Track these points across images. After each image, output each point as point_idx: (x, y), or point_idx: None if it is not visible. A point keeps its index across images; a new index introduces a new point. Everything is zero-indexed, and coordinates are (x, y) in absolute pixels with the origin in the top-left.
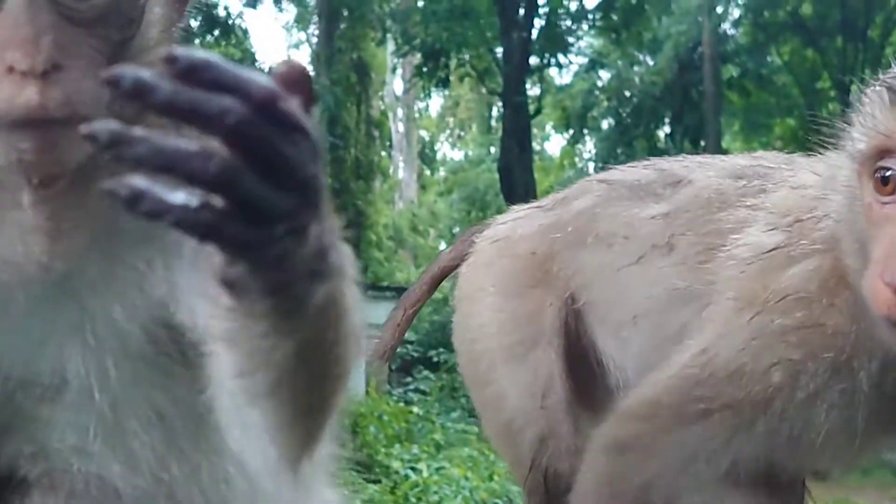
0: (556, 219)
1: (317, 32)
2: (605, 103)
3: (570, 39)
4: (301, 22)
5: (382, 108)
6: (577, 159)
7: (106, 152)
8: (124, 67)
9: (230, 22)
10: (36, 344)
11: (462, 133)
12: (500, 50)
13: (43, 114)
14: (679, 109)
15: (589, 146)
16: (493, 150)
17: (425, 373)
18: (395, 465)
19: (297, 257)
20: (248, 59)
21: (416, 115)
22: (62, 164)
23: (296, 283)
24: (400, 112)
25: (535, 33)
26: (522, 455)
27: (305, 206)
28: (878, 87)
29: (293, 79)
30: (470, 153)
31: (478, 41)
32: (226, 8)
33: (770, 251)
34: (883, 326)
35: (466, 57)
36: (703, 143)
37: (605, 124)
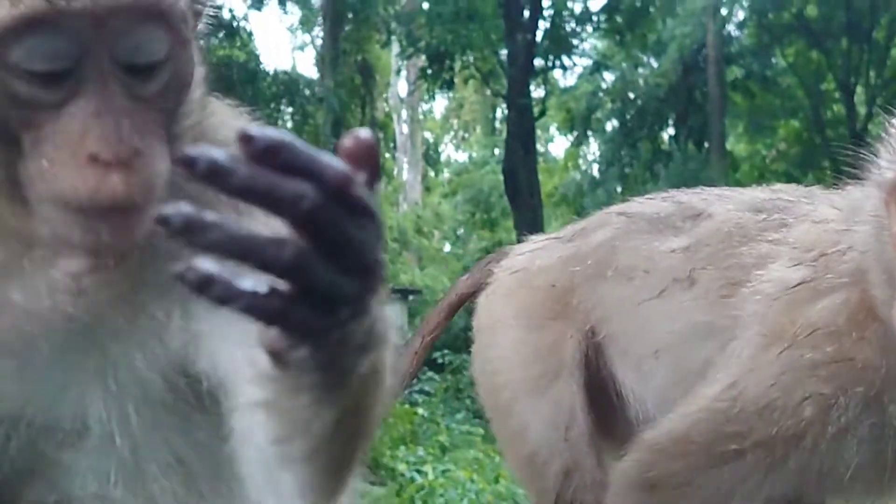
0: (574, 251)
1: (321, 34)
2: (610, 105)
3: (575, 41)
4: (306, 24)
5: (387, 109)
6: (581, 161)
7: (178, 238)
8: (198, 149)
9: (235, 24)
10: (59, 391)
11: (466, 135)
12: (504, 52)
13: (127, 202)
14: (683, 111)
15: (593, 148)
16: (497, 151)
17: (430, 374)
18: (401, 467)
19: (355, 337)
20: (253, 61)
21: (421, 116)
22: (133, 243)
23: (345, 357)
24: (404, 114)
25: (539, 35)
26: (547, 488)
27: (368, 290)
28: None
29: (361, 154)
30: (474, 155)
31: (482, 43)
32: (230, 10)
33: (796, 286)
34: None
35: (471, 59)
36: (707, 144)
37: (609, 126)
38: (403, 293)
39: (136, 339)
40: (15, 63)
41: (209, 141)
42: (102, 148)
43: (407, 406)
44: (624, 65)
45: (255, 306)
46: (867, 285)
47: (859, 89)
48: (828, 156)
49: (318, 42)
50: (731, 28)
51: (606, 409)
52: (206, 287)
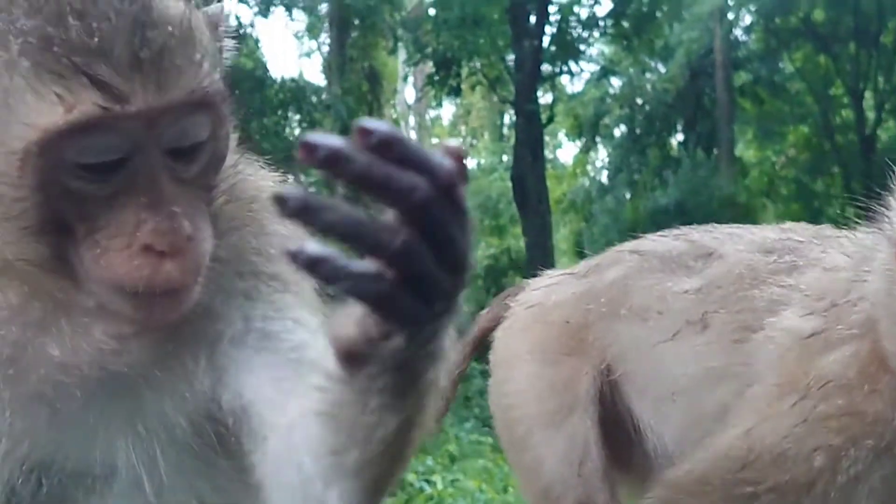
0: (588, 287)
1: (328, 41)
2: (618, 111)
3: (582, 47)
4: (312, 31)
5: (394, 116)
6: (589, 167)
7: (294, 218)
8: (318, 136)
9: (242, 31)
10: (90, 437)
11: (474, 141)
12: (511, 58)
13: (182, 286)
14: (692, 117)
15: (602, 154)
16: (505, 158)
17: None
18: (410, 477)
19: (440, 336)
20: (260, 68)
21: (428, 123)
22: (179, 314)
23: (419, 361)
24: (412, 120)
25: (546, 41)
26: None
27: (460, 287)
28: None
29: (457, 161)
30: (482, 161)
31: (489, 49)
32: (237, 17)
33: (808, 337)
34: None
35: (478, 65)
36: (715, 151)
37: (617, 132)
38: None
39: (166, 385)
40: (67, 160)
41: (238, 198)
42: (156, 239)
43: None
44: (631, 70)
45: (362, 287)
46: (878, 336)
47: (868, 94)
48: (837, 161)
49: (325, 49)
50: (738, 33)
51: (623, 443)
52: (315, 267)
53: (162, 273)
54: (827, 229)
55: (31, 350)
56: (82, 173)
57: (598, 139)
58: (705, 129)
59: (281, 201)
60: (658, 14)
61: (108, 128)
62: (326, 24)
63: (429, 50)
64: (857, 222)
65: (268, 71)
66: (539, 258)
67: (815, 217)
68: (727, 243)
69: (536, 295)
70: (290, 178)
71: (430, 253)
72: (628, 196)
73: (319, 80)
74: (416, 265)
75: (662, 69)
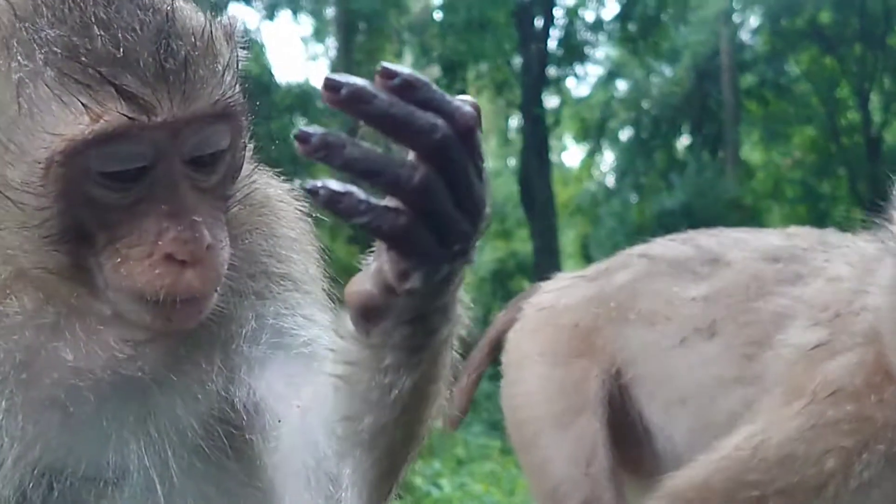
0: (598, 291)
1: (334, 45)
2: (624, 114)
3: (588, 50)
4: (318, 35)
5: None
6: (596, 171)
7: (315, 155)
8: (341, 75)
9: (247, 36)
10: (103, 441)
11: None
12: (517, 61)
13: (201, 294)
14: (697, 119)
15: (608, 157)
16: (511, 162)
17: None
18: (418, 481)
19: (453, 283)
20: (266, 73)
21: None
22: (197, 322)
23: (433, 314)
24: None
25: (552, 44)
26: None
27: (476, 232)
28: None
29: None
30: (489, 165)
31: (495, 53)
32: (243, 22)
33: (814, 348)
34: None
35: (484, 69)
36: (721, 153)
37: (623, 135)
38: None
39: (179, 388)
40: (91, 169)
41: (248, 204)
42: (178, 248)
43: None
44: (637, 73)
45: (381, 220)
46: (882, 348)
47: (874, 96)
48: (843, 163)
49: (331, 53)
50: (744, 35)
51: (633, 444)
52: (335, 202)
53: (183, 281)
54: (830, 235)
55: (44, 355)
56: (105, 182)
57: (604, 142)
58: (711, 131)
59: (303, 139)
60: (664, 17)
61: (133, 137)
62: (332, 29)
63: (435, 54)
64: (864, 222)
65: (273, 76)
66: (546, 262)
67: (821, 219)
68: (734, 249)
69: (548, 297)
70: (298, 183)
71: (448, 192)
72: (634, 199)
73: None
74: (433, 202)
75: (668, 72)
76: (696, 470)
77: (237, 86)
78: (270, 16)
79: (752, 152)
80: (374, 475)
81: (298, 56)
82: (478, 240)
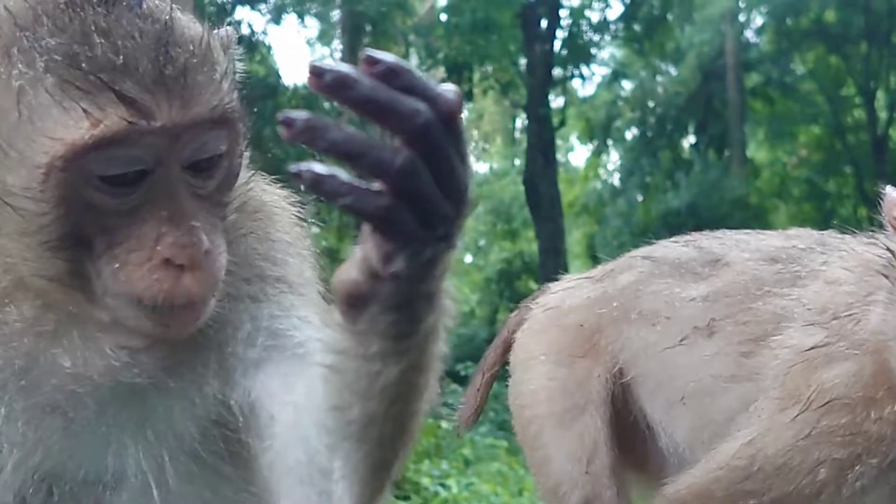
0: (602, 292)
1: (340, 47)
2: (629, 114)
3: (593, 51)
4: (324, 37)
5: None
6: (601, 170)
7: (300, 138)
8: (326, 62)
9: (254, 38)
10: (101, 445)
11: (486, 146)
12: (523, 62)
13: (200, 299)
14: (703, 119)
15: (614, 157)
16: (517, 162)
17: (453, 386)
18: (425, 481)
19: (437, 268)
20: (273, 75)
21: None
22: (195, 327)
23: (418, 301)
24: None
25: (557, 45)
26: None
27: (459, 214)
28: None
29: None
30: (494, 166)
31: (501, 54)
32: (249, 25)
33: (810, 349)
34: None
35: (489, 70)
36: (727, 152)
37: (629, 135)
38: None
39: (176, 392)
40: (91, 174)
41: (243, 210)
42: (176, 253)
43: (430, 420)
44: (643, 73)
45: (364, 201)
46: (883, 358)
47: (880, 94)
48: (849, 161)
49: (337, 55)
50: (749, 34)
51: (638, 442)
52: (319, 184)
53: (181, 287)
54: (829, 237)
55: (43, 361)
56: (105, 187)
57: (609, 142)
58: (717, 130)
59: (287, 122)
60: (669, 17)
61: (133, 142)
62: (338, 31)
63: (440, 55)
64: (871, 221)
65: (280, 78)
66: (552, 262)
67: (827, 217)
68: (734, 250)
69: (554, 298)
70: (297, 190)
71: (431, 176)
72: (640, 198)
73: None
74: (416, 184)
75: (674, 71)
76: (696, 477)
77: (234, 93)
78: (277, 19)
79: (757, 151)
80: (365, 468)
81: (305, 59)
82: (462, 225)
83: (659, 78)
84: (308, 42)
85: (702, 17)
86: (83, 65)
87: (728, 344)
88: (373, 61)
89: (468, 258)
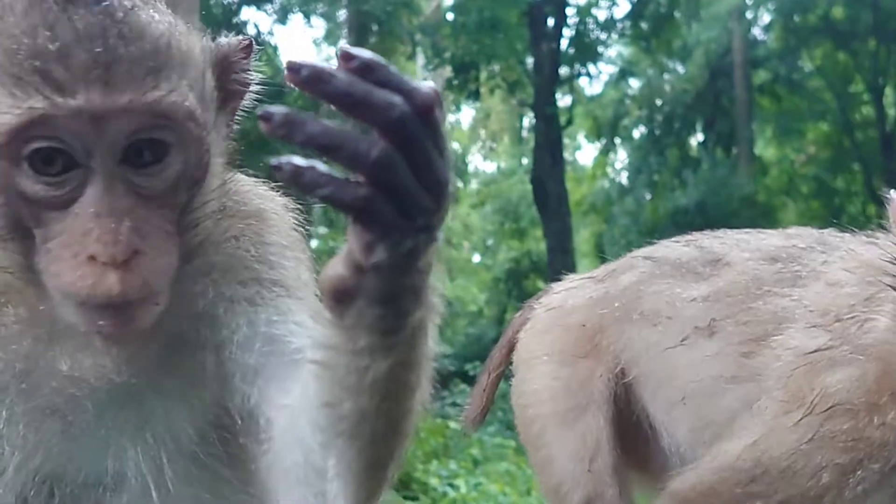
0: (604, 292)
1: None
2: (637, 112)
3: (600, 49)
4: (331, 37)
5: None
6: (609, 169)
7: (278, 132)
8: (302, 58)
9: (260, 39)
10: (101, 446)
11: (494, 145)
12: (530, 61)
13: (123, 298)
14: (711, 116)
15: (621, 156)
16: (525, 161)
17: (462, 386)
18: (433, 481)
19: (420, 261)
20: (279, 75)
21: (448, 127)
22: (136, 330)
23: (403, 295)
24: None
25: (564, 43)
26: None
27: (439, 207)
28: None
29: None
30: (502, 165)
31: (507, 53)
32: (255, 25)
33: (813, 352)
34: None
35: (496, 69)
36: (735, 150)
37: (636, 133)
38: None
39: (173, 393)
40: (24, 162)
41: (235, 214)
42: (99, 250)
43: (439, 420)
44: (650, 71)
45: (343, 192)
46: (891, 364)
47: (888, 90)
48: (858, 158)
49: None
50: (756, 31)
51: (640, 441)
52: (298, 176)
53: (104, 284)
54: (828, 235)
55: (42, 364)
56: (35, 175)
57: (617, 140)
58: (724, 128)
59: (266, 117)
60: (676, 14)
61: (58, 126)
62: (345, 31)
63: (447, 54)
64: (879, 218)
65: None
66: (560, 260)
67: (835, 214)
68: (734, 250)
69: (556, 298)
70: (298, 196)
71: (408, 168)
72: (648, 197)
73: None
74: (393, 175)
75: (681, 69)
76: (700, 476)
77: (192, 97)
78: (283, 19)
79: (765, 149)
80: (359, 466)
81: (311, 58)
82: (442, 217)
83: (666, 76)
84: (314, 42)
85: (709, 14)
86: (21, 54)
87: (729, 344)
88: (348, 57)
89: (476, 257)
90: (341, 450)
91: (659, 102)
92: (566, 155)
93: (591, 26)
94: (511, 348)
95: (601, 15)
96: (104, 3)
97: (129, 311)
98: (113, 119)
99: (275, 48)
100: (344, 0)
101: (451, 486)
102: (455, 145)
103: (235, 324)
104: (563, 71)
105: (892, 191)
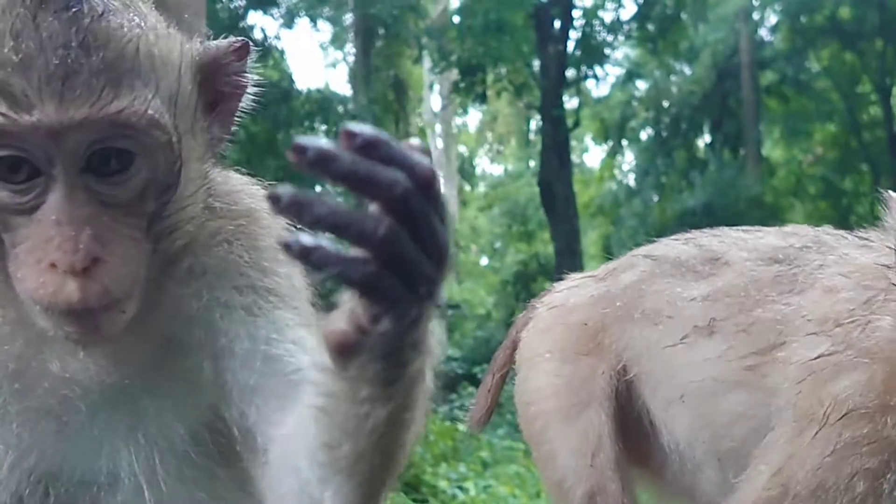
0: (605, 291)
1: (353, 51)
2: (644, 114)
3: (607, 51)
4: (337, 41)
5: (421, 124)
6: (616, 171)
7: (286, 213)
8: (307, 138)
9: (266, 43)
10: (95, 446)
11: (501, 148)
12: (536, 63)
13: (83, 306)
14: (718, 118)
15: (629, 157)
16: (532, 163)
17: (470, 389)
18: (442, 484)
19: (422, 323)
20: (286, 80)
21: (455, 131)
22: (104, 337)
23: (405, 350)
24: (438, 128)
25: (571, 45)
26: None
27: (440, 274)
28: None
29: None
30: (509, 167)
31: (514, 55)
32: (262, 29)
33: (816, 359)
34: None
35: (503, 71)
36: (742, 151)
37: (643, 135)
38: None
39: (167, 395)
40: None
41: (225, 216)
42: (59, 257)
43: (448, 423)
44: (657, 73)
45: (351, 270)
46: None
47: (895, 90)
48: (866, 159)
49: (350, 59)
50: (763, 32)
51: (641, 438)
52: (308, 255)
53: (64, 292)
54: (824, 234)
55: (34, 364)
56: (2, 183)
57: (624, 142)
58: (732, 129)
59: (274, 199)
60: (683, 16)
61: (18, 138)
62: (351, 35)
63: (454, 57)
64: (879, 219)
65: (293, 82)
66: (568, 263)
67: (843, 215)
68: (733, 250)
69: (558, 297)
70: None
71: (412, 241)
72: (656, 199)
73: (345, 90)
74: (399, 251)
75: (688, 71)
76: None
77: (158, 104)
78: (289, 23)
79: (773, 150)
80: (356, 497)
81: (318, 63)
82: (443, 281)
83: (673, 77)
84: (321, 46)
85: (716, 15)
86: None
87: (729, 346)
88: (351, 135)
89: (484, 260)
90: (339, 484)
91: (666, 104)
92: (573, 157)
93: (598, 28)
94: (515, 348)
95: (607, 17)
96: (73, 10)
97: (92, 318)
98: (70, 132)
99: (281, 52)
100: (350, 4)
101: (461, 488)
102: (462, 148)
103: (234, 333)
104: (570, 73)
105: (890, 192)
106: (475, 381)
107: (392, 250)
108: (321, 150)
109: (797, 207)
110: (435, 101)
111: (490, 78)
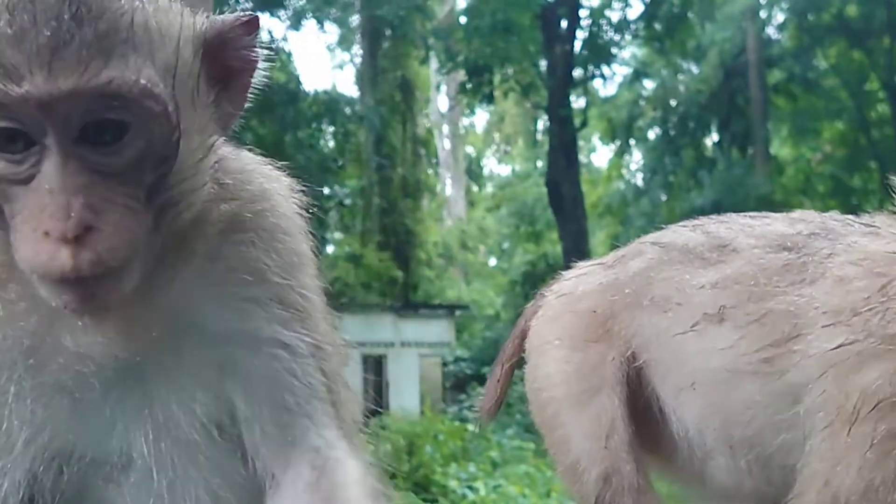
0: (614, 278)
1: (360, 52)
2: (651, 113)
3: (614, 50)
4: (344, 42)
5: (428, 125)
6: (624, 171)
7: None
8: None
9: (274, 45)
10: (108, 426)
11: (508, 148)
12: (543, 63)
13: (76, 274)
14: (726, 116)
15: (636, 157)
16: (539, 163)
17: (479, 389)
18: (452, 484)
19: None
20: (293, 81)
21: (462, 131)
22: (101, 306)
23: None
24: (445, 129)
25: (578, 45)
26: (587, 493)
27: None
28: None
29: None
30: (517, 168)
31: (521, 56)
32: (269, 31)
33: (835, 349)
34: None
35: (510, 72)
36: (750, 150)
37: (651, 134)
38: (450, 309)
39: (178, 378)
40: None
41: (239, 197)
42: (52, 225)
43: (457, 423)
44: (664, 72)
45: None
46: None
47: None
48: (874, 156)
49: (357, 60)
50: (770, 31)
51: (651, 425)
52: None
53: (58, 260)
54: (830, 220)
55: (48, 340)
56: (0, 153)
57: (632, 142)
58: (740, 128)
59: None
60: (690, 15)
61: (9, 109)
62: (358, 36)
63: (461, 58)
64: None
65: (301, 84)
66: (576, 263)
67: (853, 213)
68: (740, 237)
69: (567, 285)
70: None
71: None
72: (664, 198)
73: (352, 91)
74: None
75: (695, 70)
76: None
77: (151, 73)
78: (296, 25)
79: (781, 148)
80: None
81: (325, 64)
82: None
83: (680, 76)
84: (328, 47)
85: (723, 14)
86: None
87: (740, 335)
88: None
89: (492, 261)
90: None
91: (673, 103)
92: (581, 157)
93: (605, 28)
94: (524, 337)
95: (614, 16)
96: None
97: (88, 286)
98: (60, 103)
99: (288, 54)
100: (357, 5)
101: (471, 488)
102: (469, 149)
103: (247, 329)
104: (577, 73)
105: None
106: (484, 382)
107: None
108: None
109: (806, 206)
110: (442, 102)
111: (497, 78)
